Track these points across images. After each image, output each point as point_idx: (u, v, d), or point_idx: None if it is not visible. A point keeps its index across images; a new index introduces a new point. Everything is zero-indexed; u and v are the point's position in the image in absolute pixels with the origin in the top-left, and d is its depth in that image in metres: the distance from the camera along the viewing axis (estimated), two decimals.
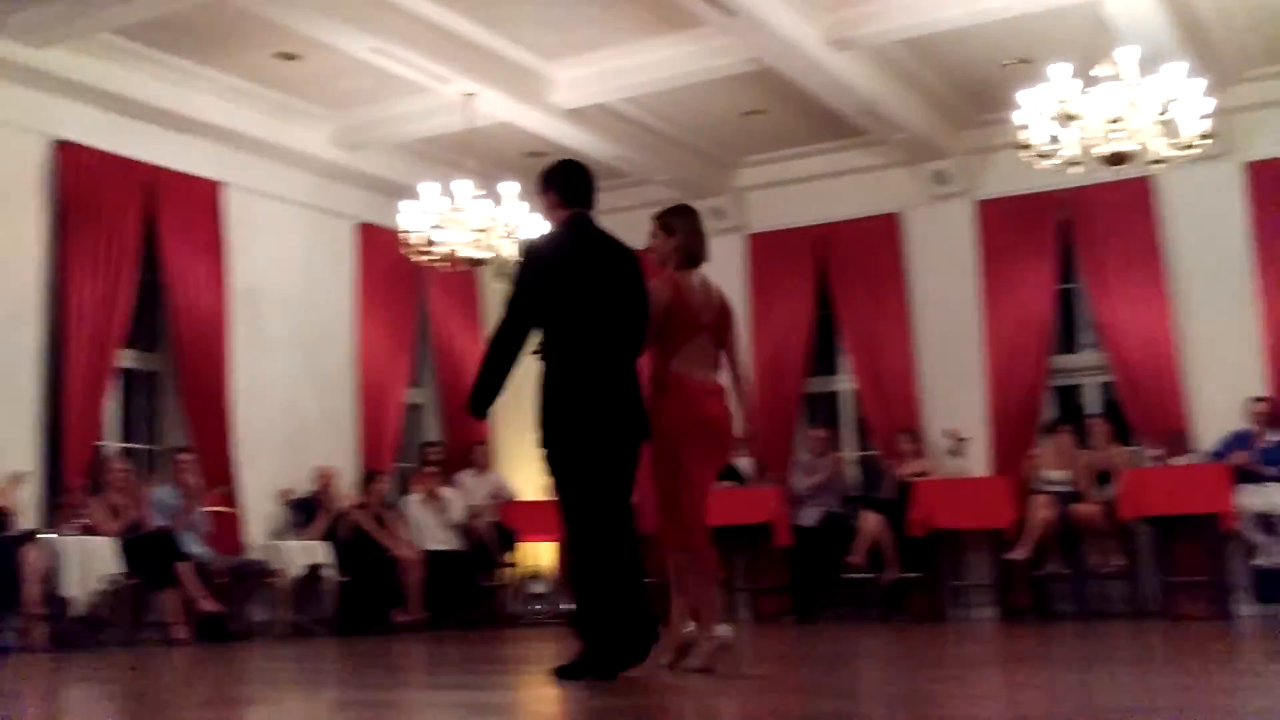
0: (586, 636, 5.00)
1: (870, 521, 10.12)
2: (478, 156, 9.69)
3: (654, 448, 5.16)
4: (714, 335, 5.34)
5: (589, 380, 4.96)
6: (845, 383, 11.54)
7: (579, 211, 5.23)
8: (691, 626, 5.27)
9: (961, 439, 10.25)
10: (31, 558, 7.81)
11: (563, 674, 4.93)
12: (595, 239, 5.21)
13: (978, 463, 10.43)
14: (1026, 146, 7.90)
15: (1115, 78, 7.49)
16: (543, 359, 5.01)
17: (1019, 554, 9.60)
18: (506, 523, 11.24)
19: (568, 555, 5.11)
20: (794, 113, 10.45)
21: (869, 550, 10.10)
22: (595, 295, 5.04)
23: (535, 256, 5.10)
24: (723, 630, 5.23)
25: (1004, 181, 10.64)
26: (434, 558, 10.41)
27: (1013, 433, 10.46)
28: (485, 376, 5.03)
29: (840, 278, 11.28)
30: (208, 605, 8.66)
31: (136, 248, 9.40)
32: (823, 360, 11.67)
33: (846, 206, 11.29)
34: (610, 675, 4.89)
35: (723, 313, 5.40)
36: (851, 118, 10.07)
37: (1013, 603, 9.97)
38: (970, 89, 10.15)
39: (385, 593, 9.99)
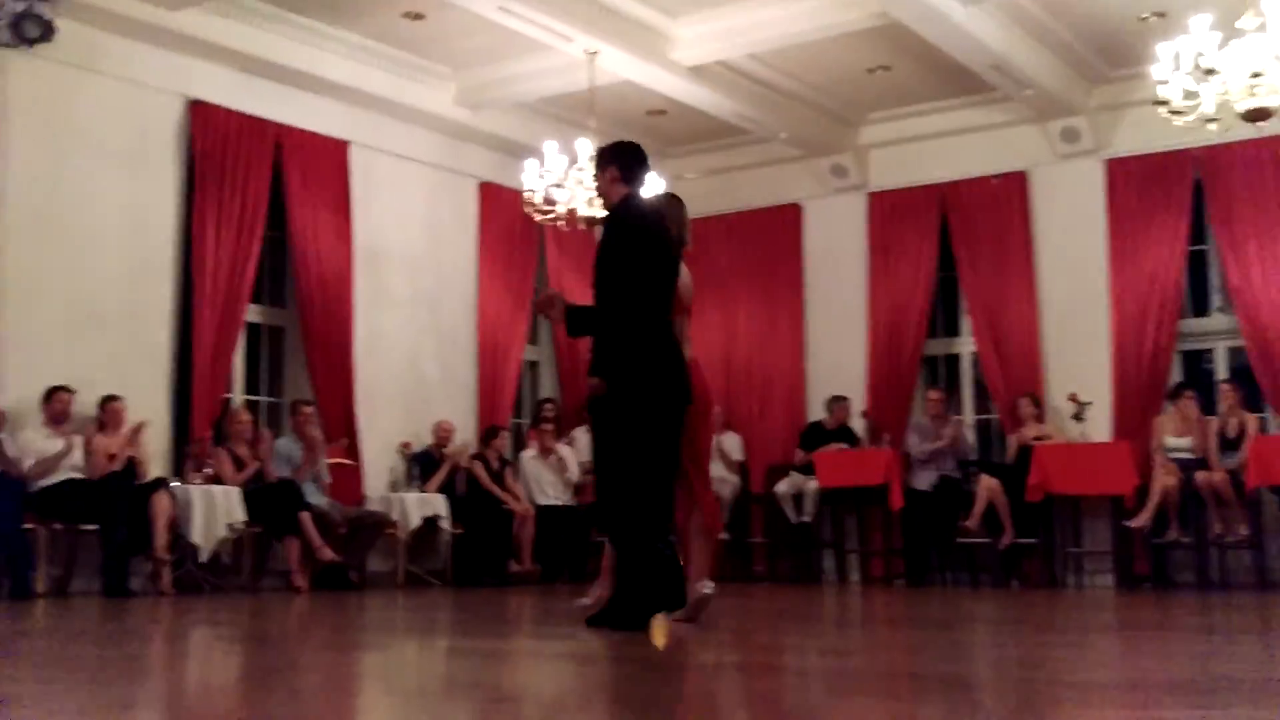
0: (624, 588, 5.20)
1: (987, 486, 9.98)
2: (599, 115, 9.71)
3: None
4: (688, 317, 5.69)
5: (650, 350, 5.17)
6: (965, 345, 11.38)
7: (634, 190, 5.42)
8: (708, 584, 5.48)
9: (1083, 403, 10.02)
10: (160, 505, 8.08)
11: (593, 621, 5.18)
12: (651, 215, 5.44)
13: (1100, 428, 10.20)
14: (1162, 103, 7.65)
15: (1261, 29, 7.20)
16: (603, 327, 5.24)
17: (1140, 521, 9.40)
18: None
19: (611, 508, 5.29)
20: (920, 68, 10.27)
21: (984, 515, 9.97)
22: (652, 269, 5.24)
23: (635, 218, 5.30)
24: (707, 586, 5.44)
25: (1136, 139, 10.37)
26: (547, 513, 10.56)
27: (1137, 397, 10.22)
28: (596, 328, 5.31)
29: (963, 237, 11.09)
30: (327, 555, 8.88)
31: (265, 205, 9.62)
32: (942, 322, 11.52)
33: (971, 164, 11.09)
34: (641, 625, 5.06)
35: (692, 298, 5.73)
36: (979, 73, 9.86)
37: (1131, 571, 9.77)
38: (1103, 43, 9.87)
39: (499, 546, 10.16)
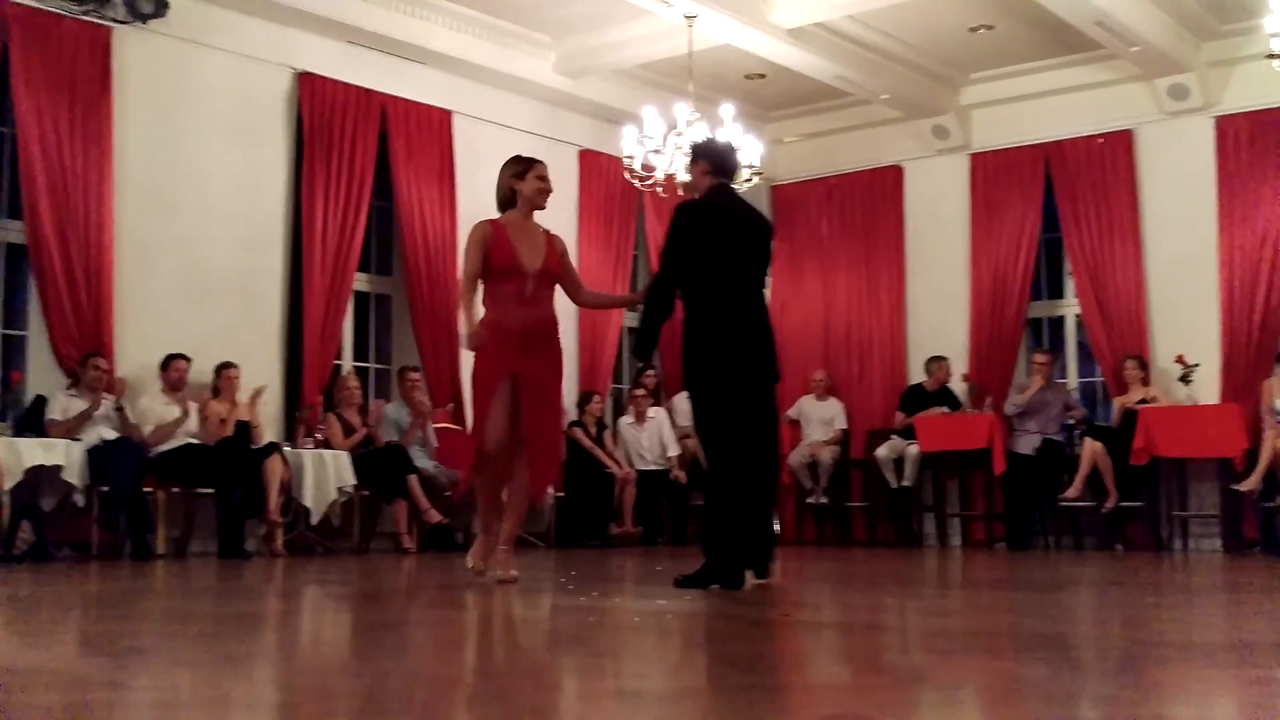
0: (711, 550, 5.44)
1: (1091, 449, 9.86)
2: (697, 80, 9.71)
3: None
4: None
5: (722, 329, 5.45)
6: (1070, 307, 11.22)
7: (723, 182, 5.74)
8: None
9: (1191, 365, 9.83)
10: (274, 469, 8.30)
11: (682, 583, 5.42)
12: (735, 205, 5.74)
13: (1207, 390, 10.00)
14: (1275, 56, 7.47)
15: None
16: (686, 309, 5.55)
17: (1248, 485, 9.20)
18: None
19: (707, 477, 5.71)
20: (1023, 27, 10.11)
21: (1087, 478, 9.86)
22: (731, 254, 5.54)
23: (684, 218, 5.58)
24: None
25: (1247, 95, 10.12)
26: (647, 476, 10.68)
27: (1246, 359, 10.01)
28: (644, 324, 5.66)
29: (1067, 197, 10.92)
30: (434, 517, 9.06)
31: (371, 175, 9.78)
32: (1046, 284, 11.38)
33: (1075, 124, 10.91)
34: (737, 584, 5.31)
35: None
36: (1083, 31, 9.66)
37: (1240, 535, 9.59)
38: None
39: (600, 508, 10.30)
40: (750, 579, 5.37)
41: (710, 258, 5.48)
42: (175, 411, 8.33)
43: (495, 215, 5.90)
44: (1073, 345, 11.29)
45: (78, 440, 7.75)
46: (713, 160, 5.75)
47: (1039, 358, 10.64)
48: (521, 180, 5.79)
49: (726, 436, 5.43)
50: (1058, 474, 10.19)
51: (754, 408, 5.48)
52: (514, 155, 5.99)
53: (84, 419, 7.85)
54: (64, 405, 7.89)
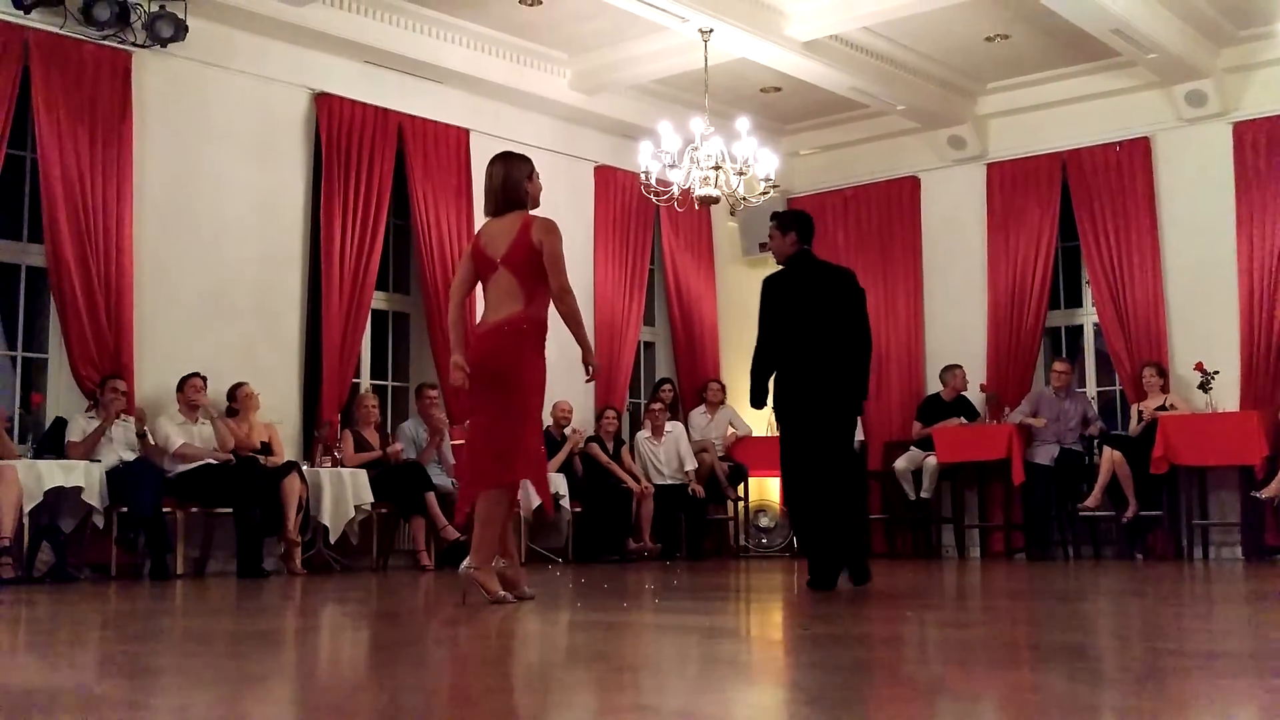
0: (813, 558, 6.40)
1: (1110, 458, 9.81)
2: (713, 94, 9.72)
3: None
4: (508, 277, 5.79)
5: (790, 375, 6.44)
6: (1088, 316, 11.19)
7: (806, 248, 6.62)
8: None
9: (1210, 373, 9.77)
10: (292, 488, 8.31)
11: (809, 586, 6.30)
12: (816, 269, 6.62)
13: (1227, 397, 9.94)
14: None
15: None
16: (775, 357, 6.51)
17: (1269, 492, 9.16)
18: (737, 458, 11.42)
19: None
20: (1039, 35, 10.10)
21: (1106, 487, 9.81)
22: (808, 313, 6.45)
23: (768, 292, 6.58)
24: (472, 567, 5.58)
25: (1265, 101, 10.12)
26: (664, 491, 10.68)
27: (1266, 366, 9.95)
28: (753, 382, 6.59)
29: (1085, 206, 10.88)
30: (452, 534, 9.06)
31: (389, 194, 9.80)
32: (1064, 293, 11.34)
33: (1093, 132, 10.89)
34: (827, 586, 6.20)
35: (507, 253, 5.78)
36: (1100, 39, 9.63)
37: (1261, 543, 9.53)
38: (1230, 3, 9.60)
39: (618, 523, 10.29)
40: (844, 580, 6.23)
41: (789, 321, 6.44)
42: (191, 431, 8.37)
43: None
44: (1091, 354, 11.25)
45: (97, 462, 7.78)
46: (802, 231, 6.62)
47: (1058, 367, 10.59)
48: (530, 180, 5.73)
49: (790, 463, 6.46)
50: (1076, 483, 10.15)
51: (815, 439, 6.35)
52: (512, 152, 5.84)
53: (97, 436, 7.88)
54: (83, 427, 7.93)
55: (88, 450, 7.83)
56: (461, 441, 9.97)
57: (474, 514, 5.56)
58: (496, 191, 5.66)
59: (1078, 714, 2.61)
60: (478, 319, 5.86)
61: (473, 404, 5.68)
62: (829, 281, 6.55)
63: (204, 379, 8.46)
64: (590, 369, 5.79)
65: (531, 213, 5.65)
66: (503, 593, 5.47)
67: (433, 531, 9.14)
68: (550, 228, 5.52)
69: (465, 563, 5.53)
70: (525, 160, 5.76)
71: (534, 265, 5.48)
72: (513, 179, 5.64)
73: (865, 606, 5.37)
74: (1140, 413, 9.99)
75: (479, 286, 5.77)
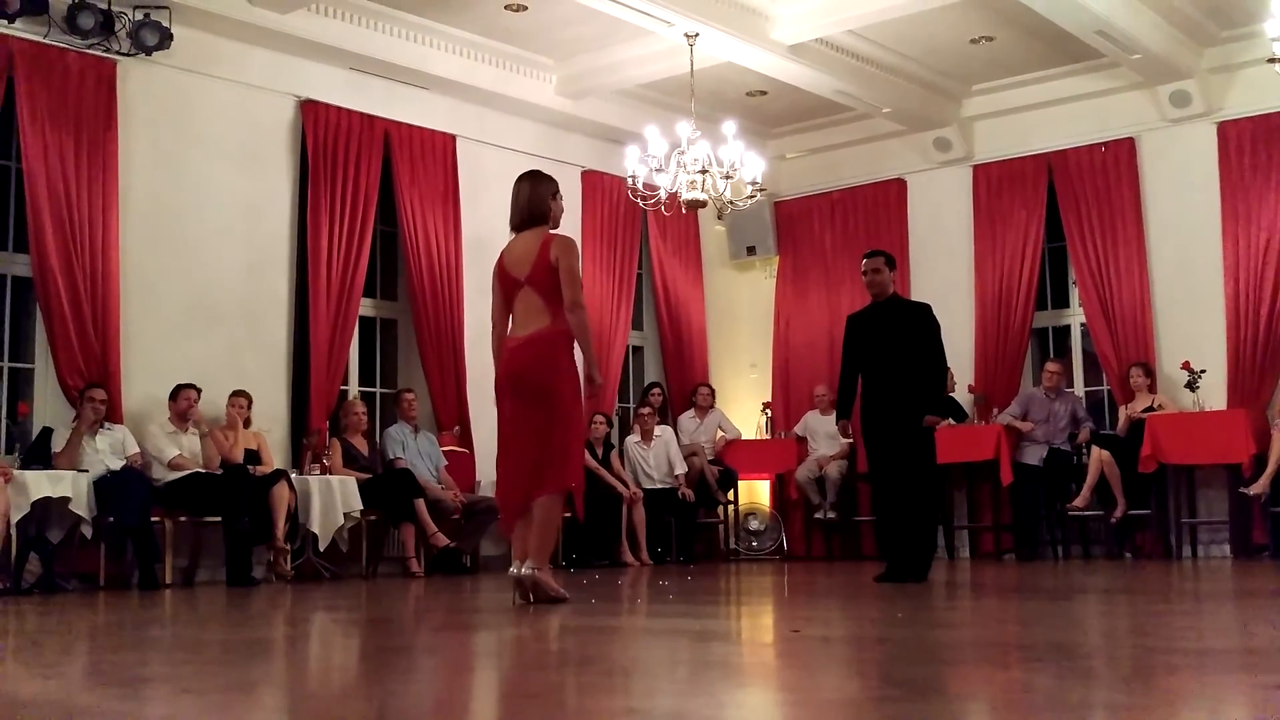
0: (886, 556, 7.38)
1: (1098, 457, 9.83)
2: (698, 98, 9.73)
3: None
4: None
5: (869, 394, 7.47)
6: (1075, 316, 11.21)
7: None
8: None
9: (1197, 372, 9.80)
10: (280, 496, 8.28)
11: (878, 579, 7.13)
12: (891, 303, 7.56)
13: (1214, 396, 9.97)
14: (1277, 60, 7.47)
15: None
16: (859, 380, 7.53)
17: (1257, 489, 9.19)
18: (726, 462, 11.42)
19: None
20: (1023, 37, 10.13)
21: (1095, 487, 9.83)
22: (879, 346, 7.42)
23: (850, 329, 7.69)
24: (526, 567, 5.59)
25: (1248, 101, 10.15)
26: (654, 495, 10.68)
27: (1252, 364, 9.98)
28: (838, 402, 7.74)
29: (1071, 207, 10.92)
30: (441, 541, 9.05)
31: (375, 200, 9.79)
32: (1051, 293, 11.37)
33: (1078, 133, 10.92)
34: (897, 579, 7.06)
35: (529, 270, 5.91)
36: (1084, 40, 9.66)
37: (1249, 541, 9.56)
38: (1213, 3, 9.64)
39: (608, 529, 10.28)
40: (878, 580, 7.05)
41: (863, 352, 7.48)
42: (180, 441, 8.34)
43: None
44: (1078, 354, 11.27)
45: (84, 471, 7.75)
46: (891, 265, 7.57)
47: (1050, 367, 10.59)
48: (554, 199, 5.93)
49: (874, 477, 7.64)
50: (1065, 483, 10.17)
51: (887, 452, 7.32)
52: (540, 171, 6.08)
53: (75, 442, 7.83)
54: (69, 437, 7.89)
55: (70, 458, 7.79)
56: (456, 447, 10.02)
57: (524, 520, 5.66)
58: (522, 208, 5.90)
59: (1068, 712, 2.61)
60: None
61: (512, 416, 5.75)
62: (903, 317, 7.46)
63: (198, 390, 8.43)
64: (594, 383, 5.97)
65: (551, 231, 5.86)
66: (563, 591, 5.67)
67: (422, 538, 9.13)
68: (568, 245, 5.76)
69: (517, 566, 5.62)
70: (551, 180, 5.99)
71: (556, 282, 5.70)
72: (539, 195, 5.90)
73: (856, 607, 5.37)
74: (1130, 418, 9.99)
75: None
